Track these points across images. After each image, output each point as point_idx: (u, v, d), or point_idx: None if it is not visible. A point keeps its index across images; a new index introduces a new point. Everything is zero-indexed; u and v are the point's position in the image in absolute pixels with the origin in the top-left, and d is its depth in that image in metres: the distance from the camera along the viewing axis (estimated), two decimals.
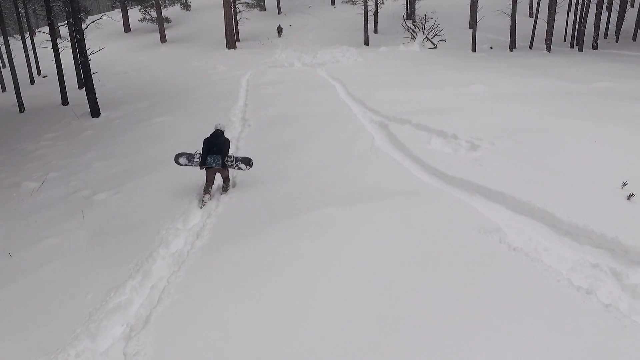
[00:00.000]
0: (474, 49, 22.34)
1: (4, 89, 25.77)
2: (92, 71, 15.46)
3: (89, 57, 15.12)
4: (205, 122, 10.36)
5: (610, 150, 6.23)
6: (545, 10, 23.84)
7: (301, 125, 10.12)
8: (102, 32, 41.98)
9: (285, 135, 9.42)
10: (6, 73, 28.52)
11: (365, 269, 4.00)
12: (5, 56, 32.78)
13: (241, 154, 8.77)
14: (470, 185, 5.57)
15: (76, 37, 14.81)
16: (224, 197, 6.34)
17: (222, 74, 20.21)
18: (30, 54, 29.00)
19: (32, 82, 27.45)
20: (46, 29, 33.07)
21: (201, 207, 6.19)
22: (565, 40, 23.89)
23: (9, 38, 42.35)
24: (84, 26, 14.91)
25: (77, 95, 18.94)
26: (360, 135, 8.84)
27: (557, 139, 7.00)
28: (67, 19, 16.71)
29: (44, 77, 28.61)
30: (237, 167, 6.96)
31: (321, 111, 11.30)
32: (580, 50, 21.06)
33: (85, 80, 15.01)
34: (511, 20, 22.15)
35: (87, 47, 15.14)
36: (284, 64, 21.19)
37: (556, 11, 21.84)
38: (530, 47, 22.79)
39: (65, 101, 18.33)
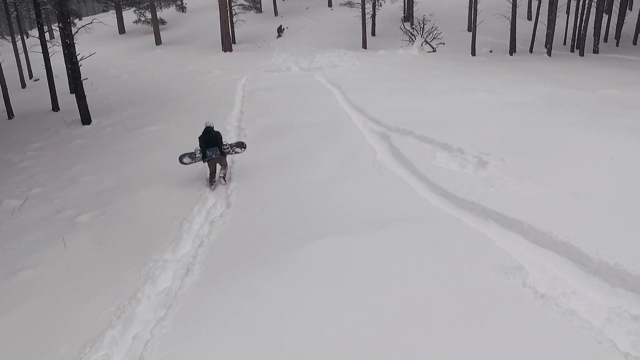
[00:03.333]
0: (473, 53, 22.00)
1: None
2: (83, 77, 14.97)
3: (79, 63, 14.63)
4: (198, 132, 9.90)
5: (629, 170, 5.83)
6: (544, 13, 23.54)
7: (299, 136, 9.70)
8: (96, 34, 41.33)
9: (282, 148, 9.00)
10: None
11: (371, 323, 3.51)
12: None
13: (238, 168, 8.36)
14: (484, 210, 5.15)
15: (65, 42, 14.30)
16: (217, 223, 5.88)
17: (217, 79, 19.74)
18: (22, 56, 28.43)
19: (24, 85, 26.87)
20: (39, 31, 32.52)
21: (213, 190, 7.25)
22: (565, 44, 23.59)
23: None
24: (74, 31, 14.39)
25: (68, 100, 18.38)
26: (361, 149, 8.42)
27: (571, 155, 6.60)
28: (57, 23, 16.21)
29: (36, 80, 28.00)
30: (234, 152, 8.15)
31: (319, 120, 10.88)
32: (581, 54, 20.75)
33: (76, 86, 14.51)
34: (511, 24, 21.83)
35: (77, 52, 14.64)
36: (281, 68, 20.75)
37: (557, 14, 21.53)
38: (530, 50, 22.47)
39: (55, 107, 17.80)
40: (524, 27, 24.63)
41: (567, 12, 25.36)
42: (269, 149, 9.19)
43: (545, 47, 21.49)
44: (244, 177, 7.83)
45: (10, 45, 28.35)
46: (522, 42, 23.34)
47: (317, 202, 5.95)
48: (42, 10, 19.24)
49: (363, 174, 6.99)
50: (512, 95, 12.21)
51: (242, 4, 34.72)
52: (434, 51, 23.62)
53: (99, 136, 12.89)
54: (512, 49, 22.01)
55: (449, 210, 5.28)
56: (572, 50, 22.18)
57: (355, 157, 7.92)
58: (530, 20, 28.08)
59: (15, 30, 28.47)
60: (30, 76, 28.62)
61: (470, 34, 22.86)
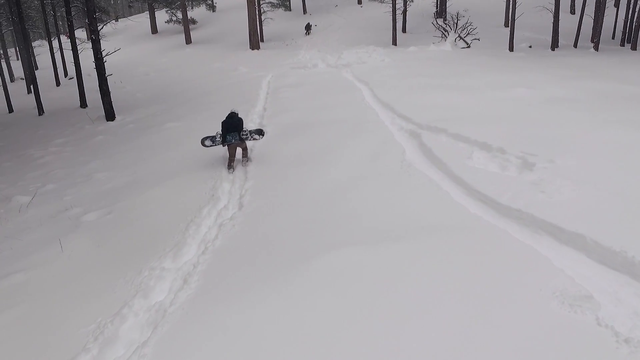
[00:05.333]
0: (511, 48, 20.71)
1: (29, 91, 25.89)
2: (110, 74, 14.92)
3: (105, 59, 14.55)
4: (218, 128, 9.45)
5: None
6: (590, 5, 21.93)
7: (322, 133, 9.07)
8: (131, 34, 42.30)
9: (303, 146, 8.39)
10: (37, 74, 28.86)
11: None
12: (32, 59, 33.33)
13: (256, 166, 7.83)
14: (534, 220, 4.33)
15: (91, 38, 14.24)
16: (226, 226, 5.32)
17: (243, 76, 19.41)
18: (57, 55, 29.20)
19: (58, 83, 27.50)
20: (79, 31, 33.44)
21: (231, 173, 7.45)
22: (614, 37, 21.88)
23: (39, 40, 43.26)
24: (99, 27, 14.30)
25: (97, 97, 18.49)
26: (389, 147, 7.69)
27: (631, 159, 5.66)
28: (85, 20, 16.25)
29: (70, 78, 28.64)
30: (252, 139, 8.25)
31: (344, 117, 10.22)
32: (634, 48, 19.11)
33: (100, 82, 14.43)
34: (554, 17, 20.39)
35: (102, 49, 14.57)
36: (307, 65, 20.21)
37: (606, 6, 19.93)
38: (575, 45, 20.94)
39: (83, 104, 17.93)
40: (566, 21, 23.04)
41: (617, 5, 23.55)
42: (289, 146, 8.62)
43: (592, 41, 19.96)
44: (261, 175, 7.29)
45: (54, 45, 29.16)
46: (565, 36, 21.79)
47: (336, 206, 5.28)
48: (72, 8, 19.44)
49: (389, 174, 6.27)
50: (555, 91, 11.14)
51: (270, 2, 34.43)
52: (468, 47, 22.44)
53: (120, 132, 12.70)
54: (555, 44, 20.56)
55: (491, 219, 4.48)
56: (623, 45, 20.51)
57: (381, 157, 7.20)
58: (574, 14, 26.36)
59: (50, 31, 29.23)
60: (66, 74, 29.34)
61: (507, 29, 21.60)
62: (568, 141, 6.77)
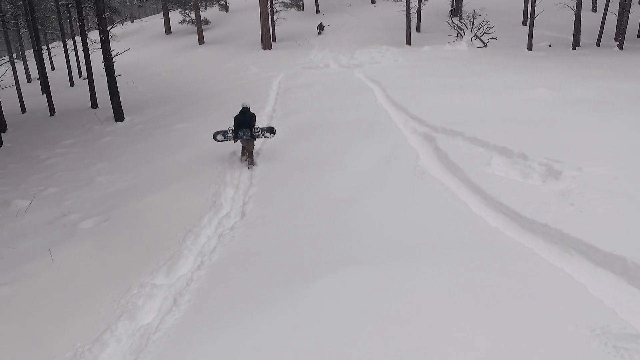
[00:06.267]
0: (530, 47, 19.99)
1: (43, 92, 26.12)
2: (122, 74, 14.81)
3: (114, 59, 14.42)
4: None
5: None
6: (613, 2, 21.05)
7: (331, 135, 8.70)
8: (145, 35, 42.55)
9: (312, 149, 8.04)
10: (52, 75, 29.16)
11: None
12: (49, 59, 33.75)
13: (261, 169, 7.51)
14: (563, 238, 3.87)
15: (100, 38, 14.11)
16: (225, 237, 4.97)
17: (254, 76, 19.15)
18: (72, 55, 29.43)
19: (72, 84, 27.72)
20: (95, 33, 33.68)
21: (243, 162, 7.76)
22: (639, 36, 20.98)
23: (57, 42, 43.85)
24: (105, 27, 14.16)
25: (108, 97, 18.46)
26: (401, 151, 7.28)
27: None
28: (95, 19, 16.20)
29: (84, 79, 28.79)
30: (263, 136, 8.37)
31: (355, 119, 9.82)
32: None
33: (109, 83, 14.30)
34: (575, 15, 19.61)
35: (112, 49, 14.44)
36: (319, 65, 19.85)
37: (631, 3, 19.08)
38: (598, 44, 20.12)
39: (94, 104, 17.89)
40: (588, 19, 22.20)
41: None
42: (297, 149, 8.27)
43: (616, 39, 19.14)
44: (266, 181, 6.95)
45: (69, 46, 29.43)
46: (587, 35, 20.97)
47: (342, 217, 4.89)
48: (84, 9, 19.45)
49: (401, 181, 5.85)
50: (580, 92, 10.54)
51: (283, 2, 34.16)
52: (485, 46, 21.79)
53: (128, 134, 12.52)
54: (576, 43, 19.78)
55: (514, 235, 4.03)
56: None
57: (393, 161, 6.79)
58: (596, 11, 25.45)
59: (65, 32, 29.47)
60: (80, 75, 29.54)
61: (525, 27, 20.88)
62: (596, 146, 6.27)
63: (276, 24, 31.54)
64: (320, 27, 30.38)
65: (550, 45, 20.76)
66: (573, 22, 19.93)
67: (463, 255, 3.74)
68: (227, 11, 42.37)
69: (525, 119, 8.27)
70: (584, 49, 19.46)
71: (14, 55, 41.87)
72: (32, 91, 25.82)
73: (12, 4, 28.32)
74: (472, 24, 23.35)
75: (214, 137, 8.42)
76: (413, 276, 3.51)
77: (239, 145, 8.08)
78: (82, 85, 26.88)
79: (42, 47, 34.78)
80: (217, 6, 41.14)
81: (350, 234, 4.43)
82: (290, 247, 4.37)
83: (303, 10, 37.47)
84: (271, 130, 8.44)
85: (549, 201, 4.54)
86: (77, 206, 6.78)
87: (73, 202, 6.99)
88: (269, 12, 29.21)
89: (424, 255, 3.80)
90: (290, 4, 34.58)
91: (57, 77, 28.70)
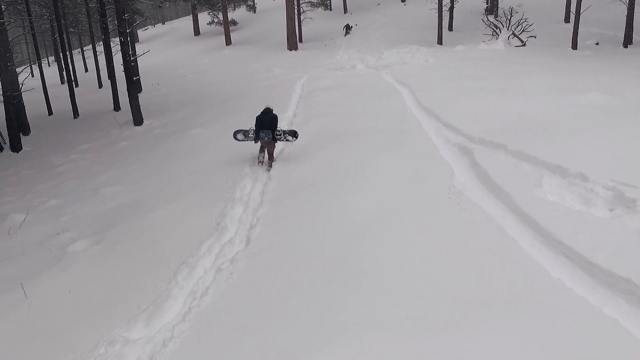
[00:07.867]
0: (574, 46, 18.46)
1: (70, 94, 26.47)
2: (140, 75, 14.49)
3: (132, 61, 14.09)
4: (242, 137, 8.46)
5: None
6: None
7: (354, 145, 7.87)
8: (174, 36, 42.93)
9: (331, 161, 7.24)
10: (84, 77, 29.66)
11: None
12: (81, 62, 34.43)
13: (273, 186, 6.76)
14: None
15: (120, 40, 13.80)
16: (223, 273, 4.23)
17: (277, 78, 18.53)
18: (101, 57, 29.80)
19: (100, 85, 28.04)
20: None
21: (258, 166, 7.41)
22: None
23: (88, 45, 44.96)
24: (125, 28, 13.82)
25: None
26: (432, 166, 6.36)
27: None
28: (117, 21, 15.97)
29: None
30: (285, 139, 8.03)
31: (381, 126, 8.95)
32: None
33: (128, 85, 13.97)
34: (628, 10, 17.94)
35: (131, 51, 14.11)
36: (345, 66, 19.01)
37: None
38: None
39: (117, 107, 17.75)
40: (636, 16, 20.37)
41: None
42: (316, 160, 7.50)
43: None
44: (279, 197, 6.21)
45: (98, 48, 29.86)
46: (638, 32, 19.20)
47: (361, 250, 4.06)
48: (108, 11, 19.38)
49: (433, 206, 4.96)
50: (638, 96, 9.27)
51: (310, 1, 33.49)
52: (524, 45, 20.34)
53: (144, 139, 12.10)
54: (628, 40, 18.11)
55: (583, 292, 3.08)
56: None
57: (423, 179, 5.89)
58: None
59: (94, 35, 29.89)
60: (109, 77, 29.89)
61: (568, 25, 19.33)
62: None
63: (303, 24, 30.93)
64: (348, 27, 29.48)
65: (597, 44, 19.13)
66: (624, 17, 18.24)
67: (519, 324, 2.82)
68: (254, 12, 42.16)
69: (578, 129, 7.17)
70: (637, 47, 17.78)
71: (47, 58, 43.14)
72: (63, 93, 26.22)
73: (48, 9, 28.99)
74: (509, 21, 21.87)
75: (234, 136, 8.21)
76: (449, 353, 2.64)
77: (255, 150, 7.78)
78: (109, 87, 27.13)
79: (76, 49, 35.57)
80: (245, 7, 40.95)
81: (370, 280, 3.58)
82: (295, 294, 3.58)
83: (330, 9, 36.73)
84: (294, 134, 8.10)
85: (626, 243, 3.55)
86: (74, 223, 6.23)
87: (70, 218, 6.46)
88: (295, 11, 28.60)
89: (462, 321, 2.91)
90: (317, 3, 33.87)
91: (87, 79, 29.09)
